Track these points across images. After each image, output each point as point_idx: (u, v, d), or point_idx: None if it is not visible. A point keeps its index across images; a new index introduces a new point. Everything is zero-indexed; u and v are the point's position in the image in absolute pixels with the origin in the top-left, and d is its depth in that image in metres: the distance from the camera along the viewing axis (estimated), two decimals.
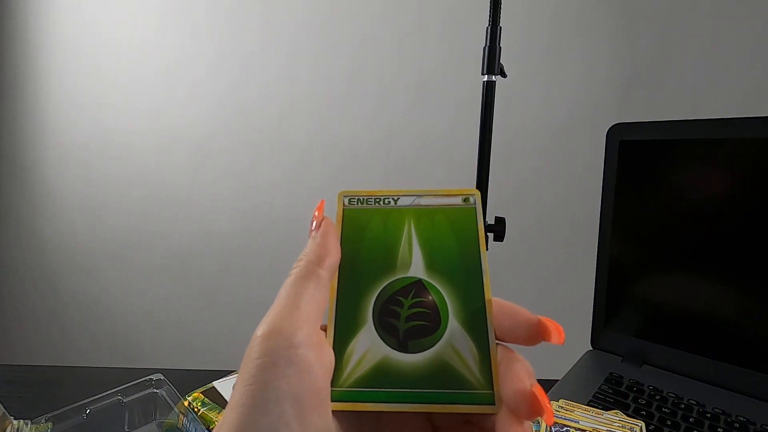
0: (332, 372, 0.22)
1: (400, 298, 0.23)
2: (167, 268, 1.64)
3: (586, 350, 0.68)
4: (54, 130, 1.73)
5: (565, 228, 1.13)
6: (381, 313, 0.23)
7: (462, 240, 0.25)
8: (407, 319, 0.23)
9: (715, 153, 0.57)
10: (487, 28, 0.82)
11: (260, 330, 0.20)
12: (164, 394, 0.54)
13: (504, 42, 0.82)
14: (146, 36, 1.56)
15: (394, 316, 0.23)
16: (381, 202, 0.27)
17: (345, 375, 0.22)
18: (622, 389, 0.59)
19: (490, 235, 0.85)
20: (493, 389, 0.21)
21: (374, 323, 0.23)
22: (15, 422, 0.48)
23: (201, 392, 0.55)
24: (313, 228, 0.25)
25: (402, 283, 0.24)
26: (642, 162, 0.63)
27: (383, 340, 0.22)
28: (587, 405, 0.55)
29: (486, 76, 0.82)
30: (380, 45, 1.27)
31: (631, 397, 0.57)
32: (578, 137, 1.10)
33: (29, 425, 0.48)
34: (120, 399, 0.53)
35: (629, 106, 1.04)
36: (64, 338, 1.83)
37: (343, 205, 0.27)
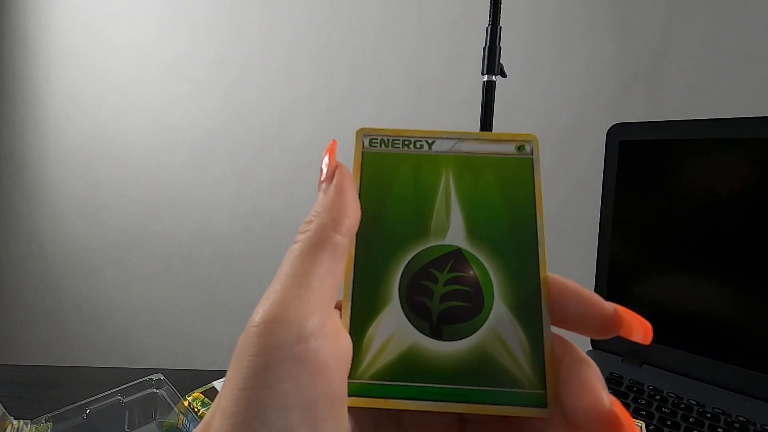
0: (349, 365, 0.18)
1: (434, 272, 0.19)
2: (167, 268, 1.64)
3: (586, 350, 0.68)
4: (54, 130, 1.73)
5: (565, 228, 1.13)
6: (410, 289, 0.19)
7: (513, 200, 0.20)
8: (442, 298, 0.19)
9: (715, 153, 0.57)
10: (487, 28, 0.82)
11: (259, 317, 0.16)
12: (164, 394, 0.54)
13: (504, 42, 0.82)
14: (146, 36, 1.56)
15: (426, 293, 0.19)
16: (411, 146, 0.21)
17: (365, 365, 0.18)
18: (622, 389, 0.59)
19: None
20: (545, 389, 0.17)
21: (401, 302, 0.19)
22: (15, 422, 0.48)
23: (201, 392, 0.55)
24: (323, 178, 0.19)
25: (436, 252, 0.19)
26: (642, 162, 0.62)
27: (412, 324, 0.18)
28: None
29: (486, 76, 0.82)
30: (380, 45, 1.27)
31: (631, 397, 0.57)
32: (578, 137, 1.10)
33: (29, 425, 0.48)
34: (120, 399, 0.53)
35: (629, 106, 1.04)
36: (64, 338, 1.83)
37: (363, 146, 0.21)
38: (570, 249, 1.15)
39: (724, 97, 0.95)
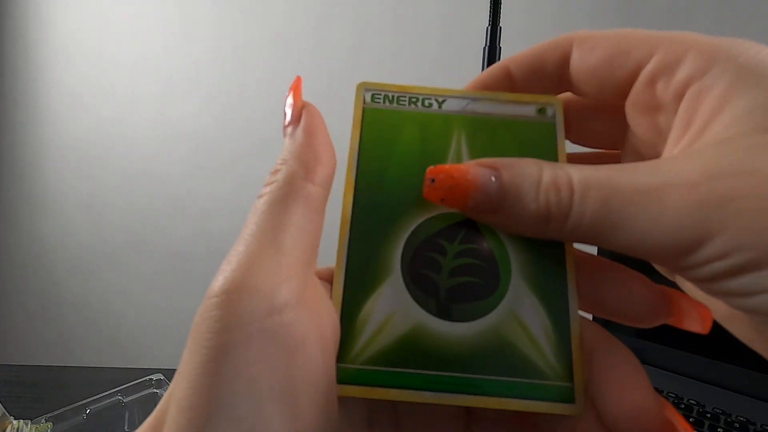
0: (336, 345, 0.15)
1: (443, 243, 0.16)
2: (168, 267, 1.64)
3: None
4: (54, 130, 1.73)
5: None
6: (414, 261, 0.16)
7: None
8: (452, 272, 0.16)
9: None
10: (487, 28, 0.82)
11: (219, 285, 0.12)
12: (164, 394, 0.54)
13: (504, 42, 0.82)
14: (147, 36, 1.56)
15: (433, 267, 0.16)
16: (419, 104, 0.18)
17: (359, 347, 0.15)
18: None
19: None
20: (573, 381, 0.15)
21: (403, 275, 0.16)
22: (15, 422, 0.48)
23: None
24: (287, 121, 0.16)
25: (446, 221, 0.16)
26: None
27: (415, 301, 0.16)
28: None
29: None
30: (380, 44, 1.28)
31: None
32: None
33: (29, 425, 0.48)
34: (120, 399, 0.53)
35: None
36: (64, 338, 1.83)
37: (364, 101, 0.18)
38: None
39: None
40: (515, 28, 1.10)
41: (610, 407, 0.13)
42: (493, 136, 0.18)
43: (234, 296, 0.12)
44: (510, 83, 0.18)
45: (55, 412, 0.49)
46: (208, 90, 1.50)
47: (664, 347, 0.62)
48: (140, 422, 0.54)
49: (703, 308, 0.14)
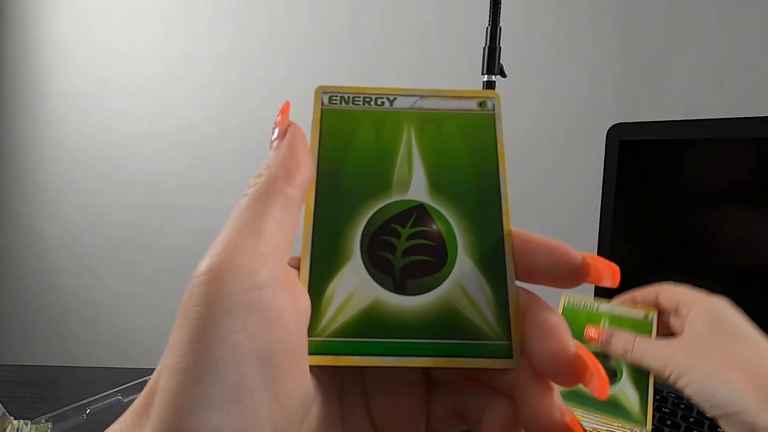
0: (308, 320, 0.17)
1: (396, 227, 0.19)
2: (168, 267, 1.64)
3: None
4: (54, 130, 1.73)
5: (565, 228, 1.13)
6: (371, 245, 0.18)
7: (476, 155, 0.20)
8: (405, 252, 0.18)
9: (715, 153, 0.57)
10: (487, 28, 0.82)
11: (206, 265, 0.14)
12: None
13: (504, 42, 0.82)
14: (147, 36, 1.56)
15: (389, 248, 0.18)
16: (372, 103, 0.21)
17: (325, 321, 0.17)
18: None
19: None
20: (511, 340, 0.17)
21: (362, 257, 0.18)
22: (15, 422, 0.48)
23: None
24: (274, 137, 0.18)
25: (399, 207, 0.19)
26: (642, 162, 0.62)
27: (374, 279, 0.18)
28: None
29: (486, 76, 0.82)
30: (381, 46, 1.27)
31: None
32: (578, 137, 1.10)
33: (29, 425, 0.48)
34: (120, 399, 0.53)
35: (629, 106, 1.04)
36: (64, 338, 1.83)
37: (322, 103, 0.21)
38: None
39: (724, 97, 0.95)
40: (515, 28, 1.10)
41: (537, 352, 0.16)
42: (439, 128, 0.20)
43: (219, 274, 0.14)
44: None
45: (55, 412, 0.49)
46: (208, 90, 1.50)
47: None
48: None
49: (613, 267, 0.17)
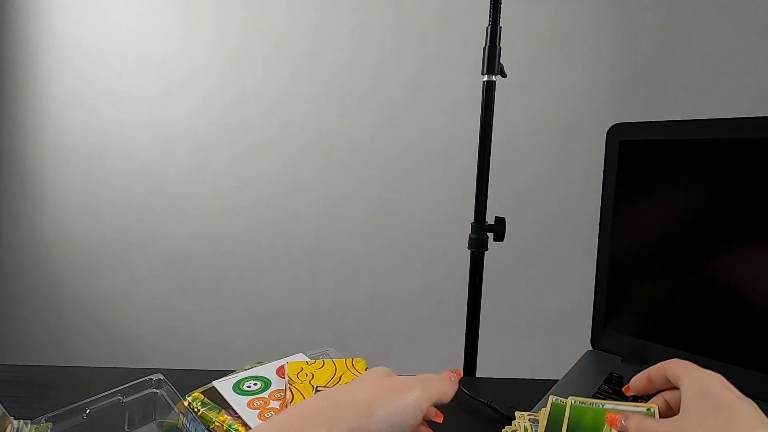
0: None
1: None
2: (167, 267, 1.64)
3: (586, 350, 0.68)
4: (54, 130, 1.73)
5: (565, 228, 1.13)
6: None
7: None
8: None
9: (715, 153, 0.57)
10: (487, 27, 0.82)
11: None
12: (164, 394, 0.54)
13: (504, 42, 0.82)
14: (146, 35, 1.56)
15: None
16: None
17: None
18: (622, 389, 0.59)
19: (490, 235, 0.85)
20: None
21: None
22: (15, 422, 0.48)
23: (201, 392, 0.55)
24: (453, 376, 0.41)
25: None
26: (642, 162, 0.62)
27: None
28: None
29: (486, 76, 0.82)
30: (380, 44, 1.27)
31: (631, 398, 0.57)
32: (578, 137, 1.10)
33: (29, 425, 0.48)
34: (120, 399, 0.53)
35: (629, 106, 1.04)
36: (64, 338, 1.83)
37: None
38: (570, 249, 1.15)
39: (724, 97, 0.95)
40: (515, 28, 1.10)
41: None
42: None
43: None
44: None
45: (55, 412, 0.49)
46: (208, 90, 1.50)
47: (664, 347, 0.62)
48: (140, 422, 0.54)
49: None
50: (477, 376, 0.89)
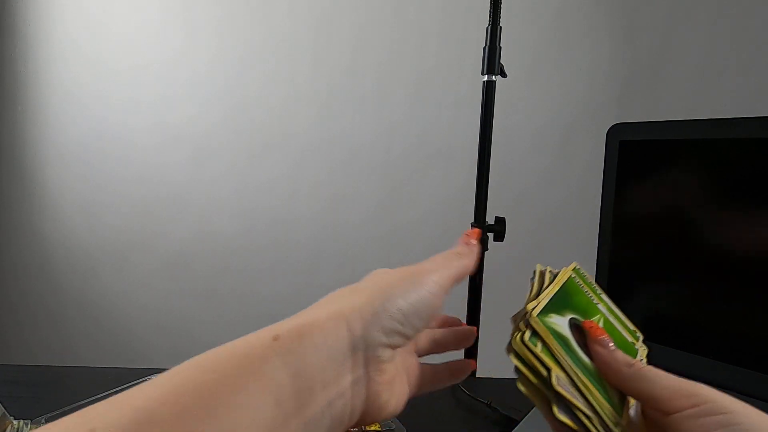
0: None
1: None
2: (167, 267, 1.64)
3: None
4: (54, 131, 1.73)
5: (565, 228, 1.13)
6: None
7: None
8: None
9: (715, 153, 0.57)
10: (487, 28, 0.82)
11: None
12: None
13: (504, 42, 0.82)
14: (146, 35, 1.56)
15: None
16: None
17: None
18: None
19: (490, 235, 0.85)
20: None
21: None
22: (15, 422, 0.48)
23: None
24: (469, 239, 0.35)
25: None
26: (642, 162, 0.62)
27: None
28: None
29: (486, 76, 0.82)
30: (380, 44, 1.27)
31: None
32: (578, 137, 1.10)
33: (29, 425, 0.48)
34: None
35: (629, 106, 1.04)
36: (64, 338, 1.83)
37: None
38: (570, 249, 1.14)
39: (724, 97, 0.95)
40: (515, 28, 1.10)
41: None
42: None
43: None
44: None
45: (55, 412, 0.49)
46: (209, 92, 1.50)
47: (664, 347, 0.62)
48: None
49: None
50: (477, 376, 0.89)
